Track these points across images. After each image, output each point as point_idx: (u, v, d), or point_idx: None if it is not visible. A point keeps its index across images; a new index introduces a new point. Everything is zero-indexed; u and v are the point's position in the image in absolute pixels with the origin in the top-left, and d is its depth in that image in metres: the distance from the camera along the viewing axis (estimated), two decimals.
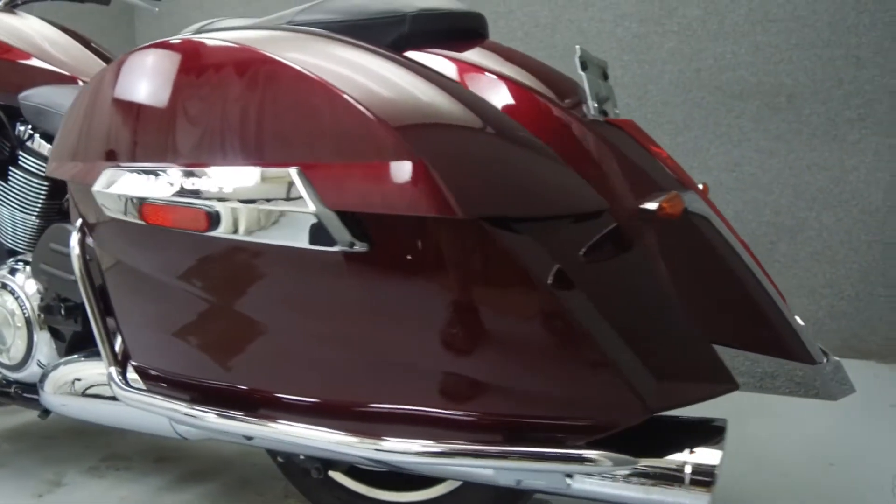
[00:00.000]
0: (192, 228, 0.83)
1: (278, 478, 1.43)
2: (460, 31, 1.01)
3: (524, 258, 0.73)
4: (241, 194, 0.79)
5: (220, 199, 0.81)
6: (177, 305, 0.92)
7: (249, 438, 0.92)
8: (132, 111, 0.92)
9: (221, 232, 0.81)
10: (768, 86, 2.23)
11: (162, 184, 0.85)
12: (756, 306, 0.90)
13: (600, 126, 0.93)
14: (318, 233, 0.75)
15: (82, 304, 1.22)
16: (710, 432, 0.82)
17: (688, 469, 0.75)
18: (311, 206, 0.75)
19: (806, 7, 2.15)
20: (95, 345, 1.31)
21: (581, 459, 0.72)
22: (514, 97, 0.91)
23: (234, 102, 0.82)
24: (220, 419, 0.89)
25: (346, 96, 0.76)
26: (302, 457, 1.09)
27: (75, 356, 1.23)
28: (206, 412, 0.90)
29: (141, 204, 0.87)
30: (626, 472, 0.76)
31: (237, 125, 0.81)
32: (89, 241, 1.03)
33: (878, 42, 2.07)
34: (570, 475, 0.77)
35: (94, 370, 1.14)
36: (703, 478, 0.74)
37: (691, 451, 0.77)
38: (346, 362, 0.83)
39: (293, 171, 0.76)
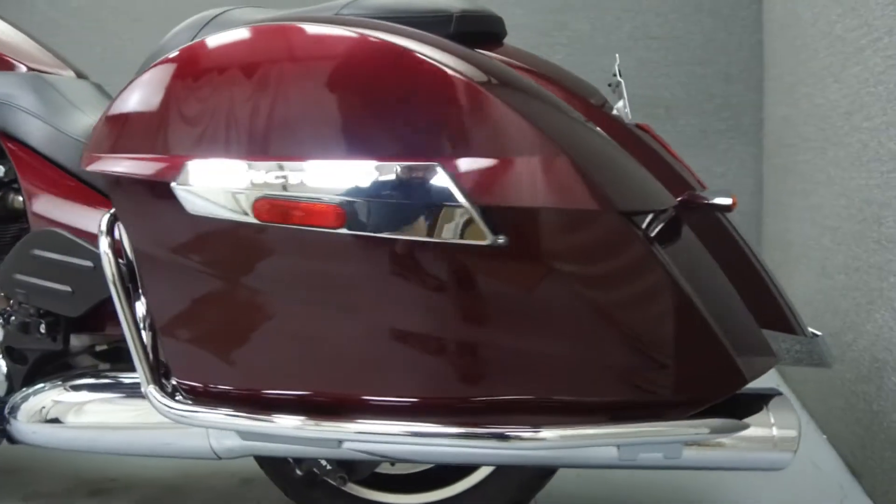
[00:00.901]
0: (321, 225, 0.79)
1: (246, 499, 1.36)
2: (487, 34, 1.04)
3: (653, 249, 0.78)
4: (380, 189, 0.77)
5: (357, 195, 0.77)
6: (262, 310, 0.86)
7: (339, 444, 0.87)
8: (235, 100, 0.84)
9: (357, 228, 0.77)
10: (649, 98, 2.45)
11: (281, 179, 0.80)
12: (768, 289, 1.02)
13: (635, 128, 1.01)
14: (465, 228, 0.75)
15: (70, 319, 1.10)
16: (767, 398, 0.91)
17: (775, 431, 0.84)
18: (460, 201, 0.75)
19: (682, 28, 2.40)
20: (65, 367, 1.17)
21: (704, 428, 0.78)
22: (566, 100, 0.96)
23: (367, 95, 0.79)
24: (315, 426, 0.84)
25: (487, 92, 0.77)
26: (329, 467, 1.06)
27: (54, 380, 1.09)
28: (298, 421, 0.84)
29: (254, 200, 0.80)
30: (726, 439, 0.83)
31: (371, 119, 0.78)
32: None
33: (744, 61, 2.36)
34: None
35: (90, 394, 1.04)
36: (788, 438, 0.84)
37: (770, 415, 0.86)
38: (469, 355, 0.82)
39: (437, 166, 0.75)
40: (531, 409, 0.83)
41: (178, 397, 0.92)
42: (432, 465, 1.20)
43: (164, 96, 0.87)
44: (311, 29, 0.84)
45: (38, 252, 1.07)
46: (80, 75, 1.41)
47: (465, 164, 0.76)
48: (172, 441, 1.00)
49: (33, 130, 1.19)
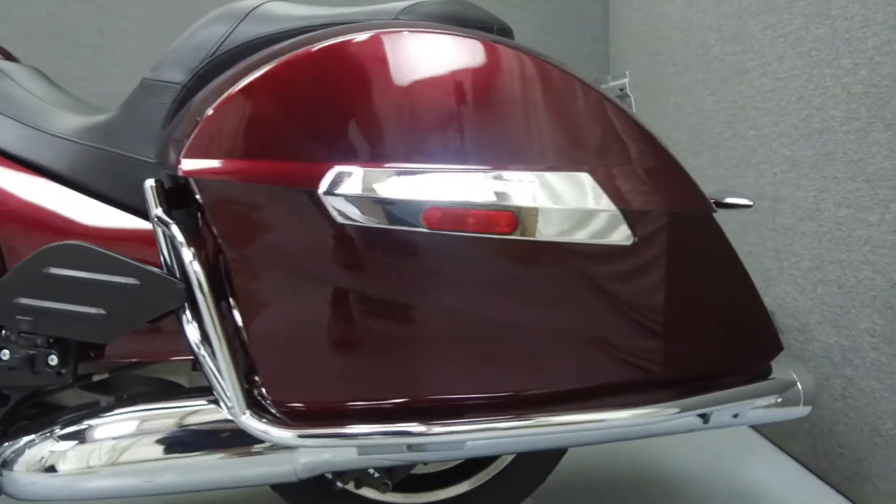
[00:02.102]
0: (493, 232, 0.81)
1: None
2: None
3: (728, 241, 0.93)
4: (543, 196, 0.82)
5: (523, 202, 0.81)
6: (394, 317, 0.85)
7: (462, 446, 0.89)
8: (392, 106, 0.82)
9: (525, 233, 0.82)
10: None
11: (450, 187, 0.81)
12: None
13: None
14: (611, 230, 0.84)
15: (85, 347, 0.98)
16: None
17: (799, 388, 1.04)
18: (609, 206, 0.83)
19: (544, 40, 2.63)
20: (42, 406, 1.05)
21: (772, 388, 0.95)
22: None
23: (527, 108, 0.82)
24: (447, 430, 0.85)
25: (614, 104, 0.86)
26: (376, 475, 1.08)
27: (56, 425, 0.96)
28: (424, 427, 0.84)
29: (425, 208, 0.80)
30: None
31: (531, 130, 0.83)
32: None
33: (594, 72, 2.65)
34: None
35: (131, 430, 0.94)
36: (811, 390, 1.04)
37: (791, 373, 1.05)
38: (593, 346, 0.89)
39: (587, 175, 0.82)
40: (625, 390, 0.93)
41: (273, 420, 0.87)
42: (460, 461, 1.25)
43: (300, 97, 0.83)
44: (465, 40, 0.86)
45: (56, 271, 0.92)
46: (9, 57, 1.24)
47: (608, 171, 0.85)
48: (250, 468, 0.94)
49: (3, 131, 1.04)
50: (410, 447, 0.90)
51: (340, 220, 0.82)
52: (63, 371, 0.95)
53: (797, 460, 1.55)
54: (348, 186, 0.82)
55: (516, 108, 0.85)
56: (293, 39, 0.90)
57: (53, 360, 0.94)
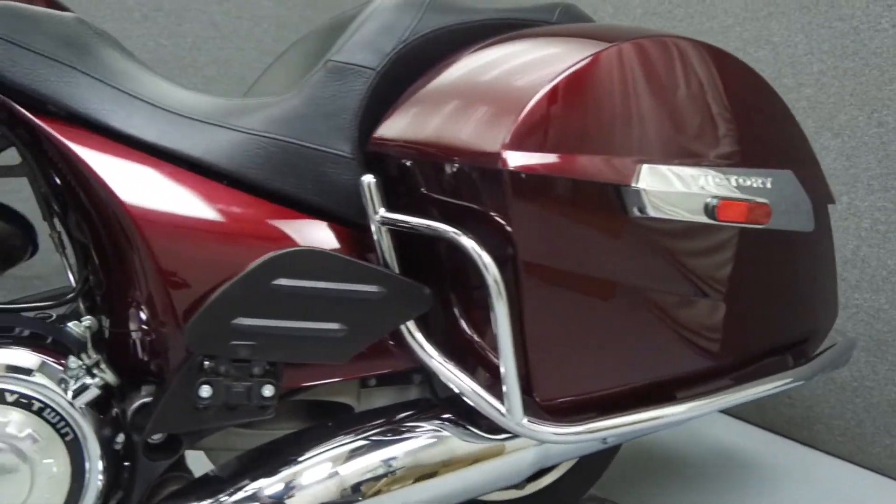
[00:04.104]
0: (759, 222, 0.89)
1: None
2: None
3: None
4: (777, 191, 0.93)
5: (770, 196, 0.91)
6: (671, 304, 0.89)
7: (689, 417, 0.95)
8: (688, 107, 0.86)
9: (774, 224, 0.91)
10: None
11: (733, 183, 0.88)
12: None
13: None
14: (805, 219, 0.97)
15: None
16: None
17: (848, 354, 1.25)
18: (805, 199, 0.96)
19: None
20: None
21: (851, 345, 1.16)
22: None
23: (758, 112, 0.94)
24: (699, 403, 0.92)
25: (788, 108, 0.99)
26: None
27: (245, 480, 0.82)
28: (682, 405, 0.90)
29: (718, 202, 0.85)
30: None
31: (764, 132, 0.94)
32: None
33: None
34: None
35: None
36: (855, 344, 1.26)
37: (852, 338, 1.27)
38: (769, 320, 1.01)
39: (790, 173, 0.95)
40: (768, 356, 1.08)
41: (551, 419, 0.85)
42: None
43: (615, 92, 0.83)
44: (736, 60, 0.95)
45: (286, 282, 0.77)
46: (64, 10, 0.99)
47: (799, 168, 0.98)
48: (481, 476, 0.90)
49: (130, 115, 0.84)
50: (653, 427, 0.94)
51: (647, 212, 0.84)
52: (270, 404, 0.81)
53: (739, 418, 1.82)
54: (655, 181, 0.84)
55: (757, 114, 0.96)
56: (549, 28, 0.94)
57: (269, 391, 0.81)
